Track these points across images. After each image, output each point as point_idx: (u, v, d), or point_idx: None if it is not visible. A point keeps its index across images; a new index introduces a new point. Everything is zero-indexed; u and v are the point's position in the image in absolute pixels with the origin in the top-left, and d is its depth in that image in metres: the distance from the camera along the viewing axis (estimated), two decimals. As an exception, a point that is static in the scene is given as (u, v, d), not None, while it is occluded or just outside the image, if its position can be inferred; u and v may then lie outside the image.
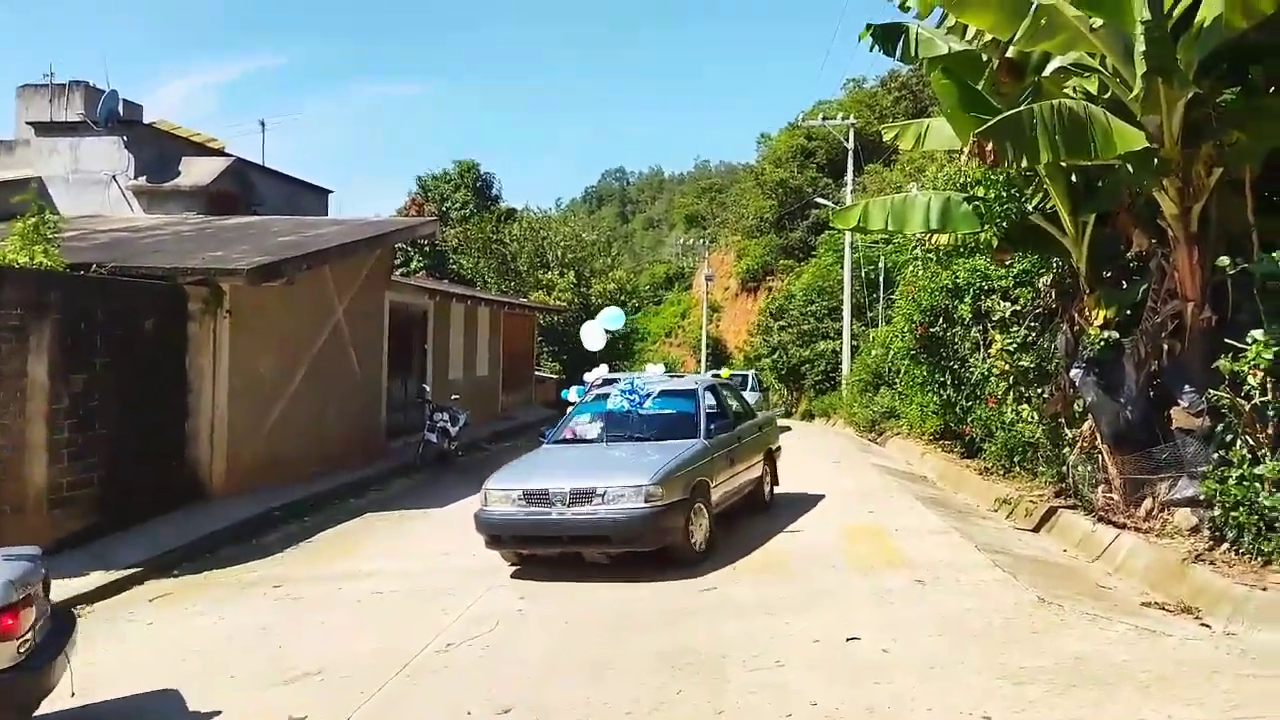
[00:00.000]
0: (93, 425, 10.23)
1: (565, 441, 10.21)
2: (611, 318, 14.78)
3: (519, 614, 7.41)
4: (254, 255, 12.72)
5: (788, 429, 25.15)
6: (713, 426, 9.72)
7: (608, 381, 15.81)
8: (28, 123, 18.90)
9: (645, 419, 9.91)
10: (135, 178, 18.55)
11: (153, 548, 9.79)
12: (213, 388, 12.21)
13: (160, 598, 8.51)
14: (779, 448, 12.15)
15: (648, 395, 10.03)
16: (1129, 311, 9.32)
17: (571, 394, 15.48)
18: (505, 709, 5.41)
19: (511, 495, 8.57)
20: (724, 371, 25.57)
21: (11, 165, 18.53)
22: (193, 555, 9.90)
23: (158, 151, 18.96)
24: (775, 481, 11.68)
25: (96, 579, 8.83)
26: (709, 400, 10.50)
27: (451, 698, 5.66)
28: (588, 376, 15.33)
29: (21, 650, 4.78)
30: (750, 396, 23.48)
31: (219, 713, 5.66)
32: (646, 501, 8.11)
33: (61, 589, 8.63)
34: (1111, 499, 9.20)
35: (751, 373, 27.75)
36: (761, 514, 10.88)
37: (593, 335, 14.57)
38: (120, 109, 18.95)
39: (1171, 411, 8.31)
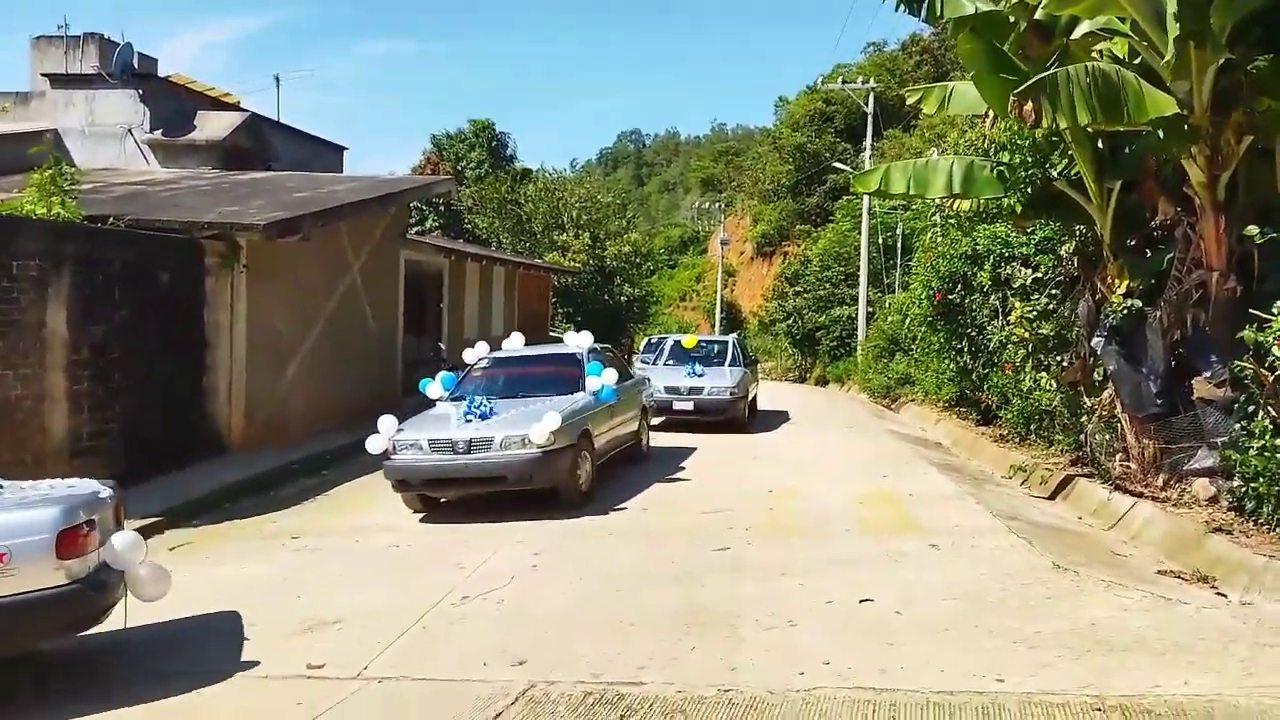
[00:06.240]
0: (112, 377, 10.30)
1: None
2: None
3: (533, 569, 7.47)
4: (270, 210, 12.71)
5: (785, 417, 18.62)
6: None
7: (496, 363, 11.47)
8: (43, 74, 18.82)
9: None
10: (151, 131, 18.50)
11: (172, 498, 9.89)
12: (230, 342, 12.26)
13: (180, 547, 8.61)
14: None
15: None
16: (1153, 280, 9.22)
17: (434, 385, 11.09)
18: (520, 660, 5.47)
19: None
20: (688, 339, 18.91)
21: (27, 117, 18.49)
22: (212, 507, 10.01)
23: (173, 105, 18.88)
24: None
25: (117, 528, 8.96)
26: None
27: (467, 649, 5.72)
28: (467, 355, 11.84)
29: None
30: (735, 371, 16.74)
31: (240, 658, 5.75)
32: None
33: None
34: (1129, 468, 9.17)
35: (731, 338, 19.59)
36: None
37: None
38: (135, 62, 18.87)
39: (1193, 381, 8.26)
